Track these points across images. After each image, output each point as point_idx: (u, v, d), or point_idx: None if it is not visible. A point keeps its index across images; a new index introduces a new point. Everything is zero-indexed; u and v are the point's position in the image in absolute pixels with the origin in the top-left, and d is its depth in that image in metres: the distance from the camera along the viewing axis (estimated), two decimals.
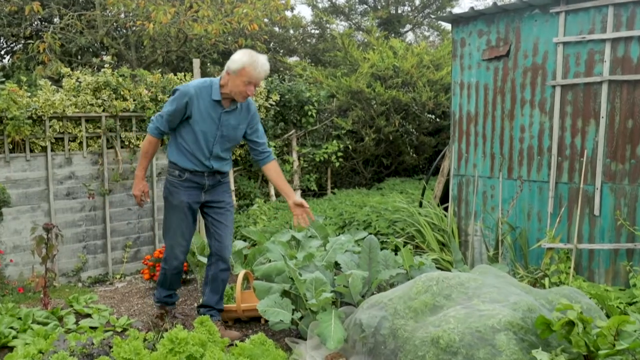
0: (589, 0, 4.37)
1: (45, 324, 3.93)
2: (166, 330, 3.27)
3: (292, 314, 3.43)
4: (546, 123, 4.72)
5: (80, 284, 5.61)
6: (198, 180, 3.71)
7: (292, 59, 11.29)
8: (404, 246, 4.54)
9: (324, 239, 4.94)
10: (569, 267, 4.43)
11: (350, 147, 7.89)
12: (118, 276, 5.82)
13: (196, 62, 6.39)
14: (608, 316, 3.50)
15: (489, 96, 5.12)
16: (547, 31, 4.65)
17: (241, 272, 4.09)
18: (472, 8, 5.12)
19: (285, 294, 3.72)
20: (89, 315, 4.25)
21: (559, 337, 2.56)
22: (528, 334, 2.72)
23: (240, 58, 3.45)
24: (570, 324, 2.45)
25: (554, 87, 4.63)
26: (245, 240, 5.57)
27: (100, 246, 5.83)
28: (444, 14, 5.37)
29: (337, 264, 4.08)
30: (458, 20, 5.31)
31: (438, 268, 4.62)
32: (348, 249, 4.31)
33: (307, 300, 3.42)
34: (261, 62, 3.45)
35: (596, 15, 4.36)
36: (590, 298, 3.34)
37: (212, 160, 3.69)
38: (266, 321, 4.00)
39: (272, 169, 3.88)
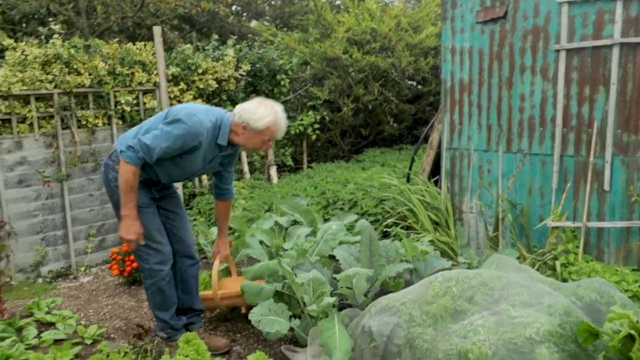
0: None
1: (2, 339, 3.41)
2: (147, 352, 2.81)
3: (290, 321, 3.01)
4: (549, 91, 4.34)
5: (40, 280, 5.07)
6: (151, 185, 3.25)
7: (258, 23, 10.61)
8: (391, 227, 4.18)
9: (310, 224, 4.53)
10: (577, 247, 4.14)
11: (326, 118, 7.41)
12: (82, 268, 5.30)
13: (157, 30, 5.76)
14: None
15: (484, 62, 4.71)
16: None
17: (216, 260, 3.56)
18: None
19: (278, 295, 3.30)
20: (52, 324, 3.74)
21: (612, 351, 2.22)
22: (568, 343, 2.38)
23: (263, 116, 3.02)
24: (629, 337, 2.11)
25: (557, 51, 4.24)
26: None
27: (60, 237, 5.27)
28: None
29: (333, 257, 3.67)
30: None
31: (436, 250, 4.26)
32: (342, 239, 3.91)
33: (305, 305, 3.01)
34: (284, 121, 3.12)
35: None
36: (613, 285, 3.03)
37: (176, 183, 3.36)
38: (249, 309, 3.50)
39: (226, 207, 3.54)
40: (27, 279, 5.05)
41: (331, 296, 3.02)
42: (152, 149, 2.91)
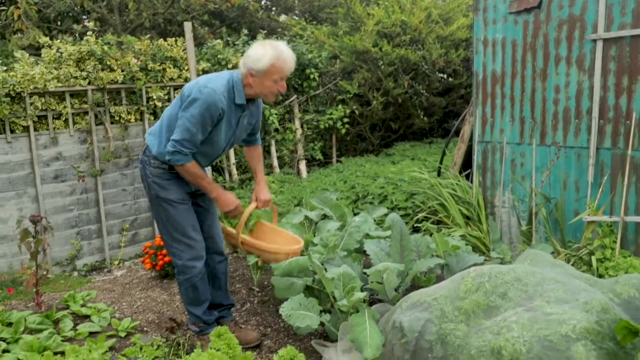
0: None
1: (40, 331, 3.50)
2: (179, 345, 2.85)
3: (320, 315, 3.01)
4: (585, 82, 4.23)
5: (75, 273, 5.19)
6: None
7: (287, 17, 10.61)
8: (421, 221, 4.13)
9: (340, 218, 4.51)
10: (614, 242, 4.03)
11: (356, 111, 7.37)
12: (116, 262, 5.40)
13: (187, 26, 5.80)
14: None
15: (517, 54, 4.61)
16: None
17: (252, 203, 3.35)
18: None
19: (308, 289, 3.30)
20: (87, 317, 3.82)
21: None
22: (605, 340, 2.32)
23: (263, 54, 2.91)
24: None
25: (594, 41, 4.12)
26: None
27: (94, 231, 5.38)
28: None
29: (364, 252, 3.65)
30: None
31: (468, 245, 4.20)
32: (368, 232, 3.88)
33: (336, 300, 3.00)
34: (288, 53, 2.96)
35: None
36: None
37: (212, 160, 3.29)
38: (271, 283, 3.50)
39: (256, 150, 3.48)
40: (63, 272, 5.17)
41: (361, 291, 3.01)
42: (189, 139, 2.92)
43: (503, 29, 4.67)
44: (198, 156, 3.06)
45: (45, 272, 4.61)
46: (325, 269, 3.10)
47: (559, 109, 4.40)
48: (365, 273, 3.27)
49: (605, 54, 4.09)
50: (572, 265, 3.89)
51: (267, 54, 2.90)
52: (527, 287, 2.63)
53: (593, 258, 3.86)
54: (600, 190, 4.16)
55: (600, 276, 3.86)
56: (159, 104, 5.53)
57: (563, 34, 4.30)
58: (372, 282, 3.07)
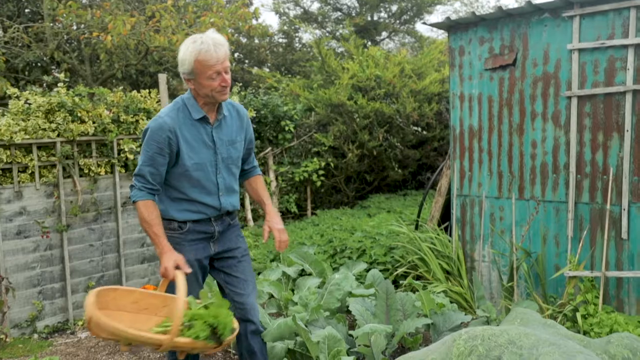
0: (607, 2, 3.96)
1: None
2: None
3: None
4: (561, 138, 4.28)
5: (36, 336, 4.85)
6: (204, 229, 2.78)
7: (260, 70, 10.68)
8: (400, 276, 4.03)
9: (320, 275, 4.38)
10: (596, 297, 3.99)
11: (331, 164, 7.35)
12: (80, 323, 5.09)
13: (162, 77, 5.74)
14: None
15: (494, 109, 4.66)
16: (559, 37, 4.22)
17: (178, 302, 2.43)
18: (473, 13, 4.66)
19: (289, 353, 3.12)
20: None
21: None
22: None
23: (184, 52, 2.57)
24: None
25: (569, 98, 4.20)
26: None
27: (58, 290, 5.09)
28: (441, 21, 4.89)
29: (346, 310, 3.51)
30: (456, 27, 4.84)
31: (452, 302, 4.10)
32: (350, 289, 3.75)
33: None
34: (210, 39, 2.55)
35: (616, 19, 3.95)
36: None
37: (222, 196, 2.78)
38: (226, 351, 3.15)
39: (258, 180, 3.03)
40: (22, 335, 4.84)
41: (348, 355, 2.86)
42: (139, 173, 2.65)
43: (479, 84, 4.74)
44: (189, 189, 2.71)
45: (3, 337, 4.30)
46: (310, 332, 2.94)
47: (537, 163, 4.43)
48: (350, 335, 3.13)
49: (580, 111, 4.16)
50: (555, 321, 3.81)
51: (188, 51, 2.56)
52: (522, 351, 2.53)
53: (578, 315, 3.80)
54: (581, 244, 4.15)
55: (585, 332, 3.79)
56: (131, 156, 5.38)
57: (538, 91, 4.38)
58: (359, 345, 2.92)
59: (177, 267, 2.61)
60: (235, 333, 2.58)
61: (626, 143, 3.94)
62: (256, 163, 3.06)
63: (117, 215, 5.38)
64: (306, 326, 3.10)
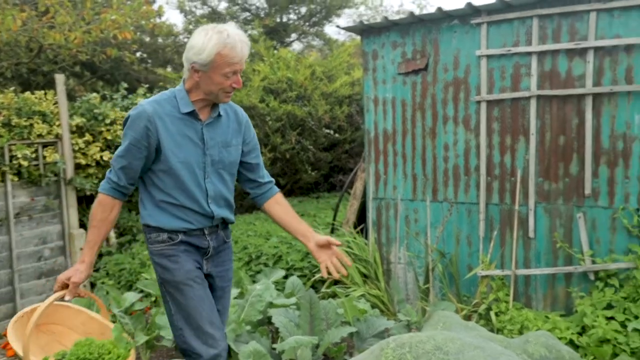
0: (512, 11, 4.13)
1: None
2: None
3: None
4: (472, 141, 4.41)
5: None
6: (197, 243, 2.44)
7: (166, 70, 10.27)
8: (319, 282, 3.98)
9: (237, 285, 4.22)
10: (507, 295, 4.15)
11: None
12: None
13: (60, 78, 5.32)
14: None
15: (407, 113, 4.73)
16: (469, 43, 4.35)
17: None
18: (385, 18, 4.70)
19: None
20: None
21: None
22: None
23: (206, 42, 2.27)
24: None
25: (478, 102, 4.34)
26: (141, 292, 4.64)
27: None
28: (353, 25, 4.90)
29: (268, 321, 3.39)
30: (369, 31, 4.86)
31: (373, 308, 4.10)
32: (271, 300, 3.64)
33: None
34: (237, 35, 2.31)
35: (520, 27, 4.13)
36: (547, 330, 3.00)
37: (212, 203, 2.43)
38: None
39: (281, 203, 2.62)
40: None
41: None
42: (114, 162, 2.36)
43: (393, 88, 4.79)
44: (176, 192, 2.38)
45: None
46: (234, 350, 2.80)
47: (449, 166, 4.54)
48: (273, 348, 3.01)
49: (489, 115, 4.31)
50: (472, 321, 3.92)
51: (211, 41, 2.27)
52: (449, 356, 2.54)
53: (491, 313, 3.93)
54: (492, 244, 4.30)
55: (499, 330, 3.92)
56: (25, 163, 4.93)
57: (449, 95, 4.49)
58: (286, 359, 2.82)
59: (66, 285, 2.30)
60: None
61: (532, 146, 4.13)
62: (271, 179, 2.67)
63: (9, 227, 4.91)
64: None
